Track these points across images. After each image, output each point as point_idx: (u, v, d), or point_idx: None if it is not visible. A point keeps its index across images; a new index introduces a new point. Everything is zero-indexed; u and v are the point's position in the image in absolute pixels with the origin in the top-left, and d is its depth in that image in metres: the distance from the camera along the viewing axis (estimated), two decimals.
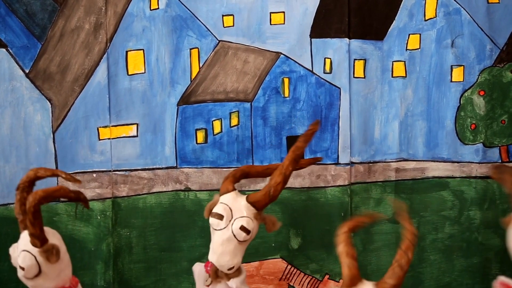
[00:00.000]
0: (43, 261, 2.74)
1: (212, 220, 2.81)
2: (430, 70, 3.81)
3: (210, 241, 2.89)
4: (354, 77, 3.78)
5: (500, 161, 3.86)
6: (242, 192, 2.99)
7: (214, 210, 2.82)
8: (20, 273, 2.79)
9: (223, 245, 2.79)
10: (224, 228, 2.80)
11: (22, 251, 2.77)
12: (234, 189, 2.89)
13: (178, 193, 3.75)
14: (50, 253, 2.74)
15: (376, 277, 3.07)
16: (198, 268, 2.96)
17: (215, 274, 2.83)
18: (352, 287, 2.60)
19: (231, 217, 2.81)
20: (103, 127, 3.69)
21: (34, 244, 2.75)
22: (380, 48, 3.79)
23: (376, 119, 3.81)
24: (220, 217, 2.80)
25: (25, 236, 2.82)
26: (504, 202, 3.87)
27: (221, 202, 2.84)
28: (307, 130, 3.01)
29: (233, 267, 2.82)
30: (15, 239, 3.66)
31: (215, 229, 2.82)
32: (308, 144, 2.97)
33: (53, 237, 2.83)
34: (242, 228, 2.78)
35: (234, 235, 2.78)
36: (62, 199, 3.16)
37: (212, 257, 2.83)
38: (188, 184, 3.75)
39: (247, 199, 2.85)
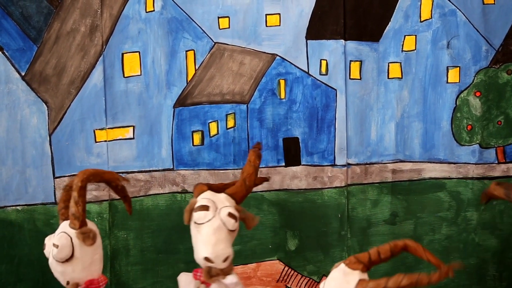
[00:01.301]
0: (78, 244, 2.73)
1: (198, 214, 2.75)
2: (426, 71, 3.81)
3: (195, 240, 2.82)
4: (350, 78, 3.78)
5: (496, 162, 3.87)
6: None
7: (198, 204, 2.78)
8: (53, 253, 2.74)
9: (215, 234, 2.74)
10: (212, 217, 2.76)
11: (59, 232, 2.76)
12: (208, 189, 2.88)
13: (175, 195, 3.75)
14: (87, 236, 2.72)
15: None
16: (184, 278, 2.92)
17: (209, 274, 2.80)
18: None
19: (216, 208, 2.78)
20: (99, 129, 3.69)
21: (73, 226, 2.74)
22: (376, 49, 3.79)
23: (372, 121, 3.81)
24: (206, 208, 2.76)
25: (64, 223, 2.81)
26: (501, 203, 3.87)
27: (201, 198, 2.81)
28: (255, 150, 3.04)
29: (228, 257, 2.79)
30: (12, 241, 3.68)
31: (202, 223, 2.76)
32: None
33: (92, 225, 2.83)
34: (230, 214, 2.76)
35: (224, 223, 2.75)
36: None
37: (205, 251, 2.74)
38: (184, 186, 3.75)
39: (226, 192, 2.86)
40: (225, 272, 2.80)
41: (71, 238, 2.72)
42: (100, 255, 2.84)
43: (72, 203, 2.74)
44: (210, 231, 2.74)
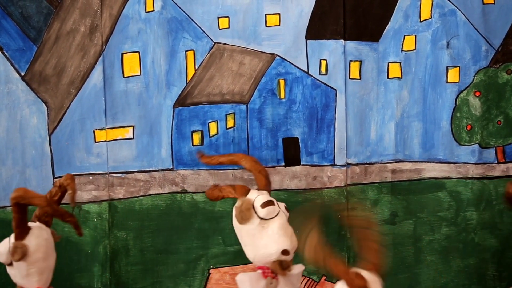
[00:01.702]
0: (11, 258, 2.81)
1: (268, 209, 2.80)
2: (426, 71, 3.81)
3: (261, 237, 2.86)
4: (349, 78, 3.78)
5: (496, 161, 3.87)
6: None
7: (263, 200, 2.82)
8: None
9: (288, 227, 2.82)
10: (280, 211, 2.83)
11: (8, 239, 2.86)
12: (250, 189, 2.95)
13: (175, 195, 3.75)
14: (15, 250, 2.78)
15: None
16: (249, 277, 2.88)
17: (280, 266, 2.80)
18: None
19: (276, 201, 2.86)
20: (99, 129, 3.69)
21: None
22: (376, 49, 3.79)
23: (372, 120, 3.81)
24: (272, 203, 2.83)
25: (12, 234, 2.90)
26: (501, 203, 3.87)
27: (259, 195, 2.86)
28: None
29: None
30: None
31: (272, 218, 2.80)
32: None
33: (35, 239, 2.84)
34: (285, 208, 2.88)
35: (286, 216, 2.86)
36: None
37: (284, 243, 2.78)
38: (184, 186, 3.75)
39: (261, 189, 2.93)
40: (291, 264, 2.82)
41: (9, 247, 2.81)
42: (38, 270, 2.84)
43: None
44: (284, 224, 2.81)
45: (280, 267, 2.80)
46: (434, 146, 3.84)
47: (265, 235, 2.79)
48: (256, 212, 2.81)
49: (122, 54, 3.68)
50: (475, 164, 3.85)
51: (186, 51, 3.71)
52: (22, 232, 2.81)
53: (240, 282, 2.92)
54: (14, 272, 2.84)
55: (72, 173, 3.66)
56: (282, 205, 2.87)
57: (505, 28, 3.82)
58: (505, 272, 3.90)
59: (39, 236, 2.86)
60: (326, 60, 3.77)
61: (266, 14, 3.73)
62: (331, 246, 3.83)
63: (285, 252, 2.76)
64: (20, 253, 2.78)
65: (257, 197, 2.85)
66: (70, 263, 3.70)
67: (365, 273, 2.51)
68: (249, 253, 2.93)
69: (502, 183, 3.85)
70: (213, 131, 3.75)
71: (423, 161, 3.84)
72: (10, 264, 2.82)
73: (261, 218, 2.79)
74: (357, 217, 2.76)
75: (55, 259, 2.97)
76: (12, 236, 2.85)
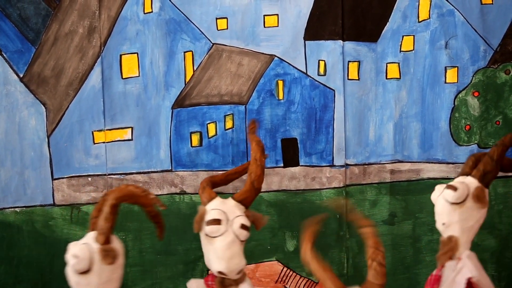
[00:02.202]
0: (98, 260, 2.63)
1: (210, 228, 2.75)
2: (424, 72, 3.81)
3: (207, 251, 2.82)
4: (348, 79, 3.78)
5: None
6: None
7: (209, 218, 2.77)
8: (70, 263, 2.64)
9: (229, 249, 2.74)
10: (225, 232, 2.77)
11: (82, 243, 2.67)
12: (216, 195, 2.88)
13: (173, 196, 3.75)
14: (108, 254, 2.64)
15: None
16: (195, 285, 2.92)
17: (222, 284, 2.79)
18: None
19: (228, 219, 2.78)
20: (97, 131, 3.69)
21: (98, 240, 2.66)
22: (374, 49, 3.79)
23: (370, 121, 3.81)
24: (218, 222, 2.76)
25: (90, 233, 2.72)
26: (500, 203, 3.87)
27: (212, 209, 2.80)
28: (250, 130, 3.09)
29: (241, 269, 2.79)
30: (11, 243, 3.69)
31: (214, 236, 2.76)
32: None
33: (117, 244, 2.74)
34: (243, 226, 2.77)
35: (237, 236, 2.76)
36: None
37: (219, 265, 2.75)
38: (183, 187, 3.75)
39: (234, 199, 2.85)
40: (238, 282, 2.80)
41: (92, 252, 2.63)
42: (119, 275, 2.73)
43: (102, 218, 2.68)
44: (224, 246, 2.74)
45: (221, 284, 2.80)
46: (433, 147, 3.84)
47: (210, 249, 2.79)
48: (204, 226, 2.80)
49: (121, 56, 3.68)
50: None
51: (184, 52, 3.71)
52: (110, 236, 2.69)
53: (189, 287, 2.95)
54: (89, 280, 2.64)
55: (71, 175, 3.69)
56: (238, 222, 2.77)
57: (503, 28, 3.82)
58: (504, 272, 3.90)
59: (119, 242, 2.75)
60: (324, 60, 3.77)
61: (264, 15, 3.73)
62: (329, 247, 3.84)
63: (220, 273, 2.75)
64: (112, 257, 2.65)
65: (209, 211, 2.81)
66: None
67: None
68: (204, 257, 2.91)
69: (501, 183, 3.85)
70: (211, 132, 3.75)
71: (421, 161, 3.84)
72: (86, 272, 2.63)
73: (206, 235, 2.79)
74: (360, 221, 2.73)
75: None
76: (86, 241, 2.68)
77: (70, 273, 2.67)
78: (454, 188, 2.87)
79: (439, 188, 3.01)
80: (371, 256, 2.50)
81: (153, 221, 2.93)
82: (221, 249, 2.75)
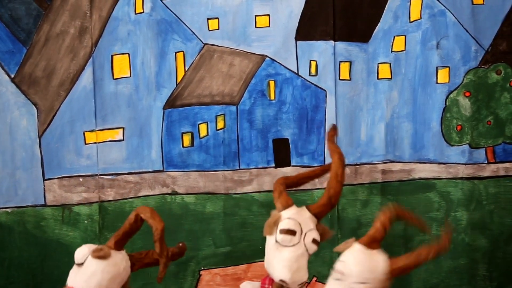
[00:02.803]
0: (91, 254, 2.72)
1: (284, 237, 2.73)
2: (416, 72, 3.82)
3: (273, 257, 2.78)
4: (339, 79, 3.78)
5: (486, 162, 3.87)
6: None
7: (285, 227, 2.74)
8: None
9: (297, 261, 2.71)
10: (297, 243, 2.74)
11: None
12: (293, 203, 2.86)
13: (165, 197, 3.75)
14: (99, 250, 2.71)
15: None
16: (250, 286, 2.92)
17: None
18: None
19: (301, 231, 2.76)
20: (89, 131, 3.69)
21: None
22: (366, 50, 3.79)
23: (362, 121, 3.81)
24: (293, 233, 2.73)
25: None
26: (491, 203, 3.88)
27: (288, 218, 2.77)
28: (329, 136, 3.06)
29: (304, 282, 2.76)
30: (2, 244, 3.69)
31: (286, 246, 2.73)
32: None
33: (119, 259, 2.79)
34: (314, 241, 2.75)
35: (307, 249, 2.75)
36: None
37: (284, 275, 2.71)
38: (174, 188, 3.75)
39: (310, 211, 2.83)
40: None
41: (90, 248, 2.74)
42: (98, 281, 2.72)
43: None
44: (293, 258, 2.72)
45: None
46: (424, 147, 3.85)
47: (276, 255, 2.77)
48: (276, 233, 2.79)
49: (112, 56, 3.68)
50: (465, 164, 3.86)
51: (176, 52, 3.71)
52: (118, 243, 2.76)
53: None
54: (77, 273, 2.73)
55: (62, 175, 3.69)
56: (310, 236, 2.76)
57: (494, 29, 3.83)
58: (496, 272, 3.91)
59: (123, 260, 2.80)
60: (316, 61, 3.77)
61: (255, 15, 3.73)
62: (321, 247, 3.84)
63: (282, 281, 2.75)
64: (102, 253, 2.70)
65: (285, 219, 2.78)
66: (60, 265, 3.69)
67: None
68: (265, 259, 2.91)
69: (492, 183, 3.86)
70: (203, 132, 3.75)
71: (413, 161, 3.85)
72: (80, 264, 2.71)
73: (276, 241, 2.78)
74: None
75: None
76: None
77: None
78: None
79: None
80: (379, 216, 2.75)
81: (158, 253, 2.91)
82: (289, 260, 2.72)
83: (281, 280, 2.74)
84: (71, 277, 2.74)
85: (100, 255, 2.71)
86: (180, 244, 2.94)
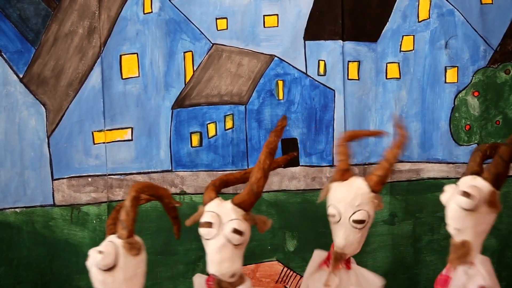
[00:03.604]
0: (123, 254, 2.64)
1: (203, 231, 2.72)
2: (424, 72, 3.81)
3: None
4: (348, 79, 3.78)
5: None
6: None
7: (202, 220, 2.73)
8: (96, 260, 2.64)
9: (219, 252, 2.70)
10: (216, 235, 2.71)
11: (107, 241, 2.68)
12: (216, 196, 2.82)
13: (174, 197, 3.67)
14: (133, 246, 2.65)
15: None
16: (198, 280, 2.90)
17: (219, 286, 2.78)
18: (343, 179, 2.97)
19: (221, 223, 2.72)
20: (97, 131, 3.69)
21: (120, 235, 2.67)
22: (374, 49, 3.79)
23: (370, 121, 3.81)
24: (209, 224, 2.71)
25: (111, 236, 2.73)
26: (500, 203, 3.86)
27: (207, 211, 2.76)
28: (276, 126, 2.97)
29: (234, 273, 2.76)
30: (10, 243, 3.68)
31: (207, 239, 2.73)
32: (279, 139, 2.89)
33: (141, 241, 2.76)
34: (235, 230, 2.70)
35: (228, 240, 2.70)
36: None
37: (211, 268, 2.73)
38: (183, 188, 3.75)
39: (232, 202, 2.78)
40: (235, 285, 2.77)
41: (116, 247, 2.64)
42: (143, 270, 2.73)
43: (123, 212, 2.68)
44: (214, 249, 2.70)
45: (218, 286, 2.77)
46: (433, 146, 3.84)
47: (205, 251, 2.78)
48: None
49: (120, 56, 3.68)
50: None
51: (184, 52, 3.71)
52: (133, 230, 2.69)
53: (194, 281, 2.93)
54: (115, 277, 2.65)
55: (71, 175, 3.69)
56: (230, 226, 2.70)
57: (503, 28, 3.82)
58: (504, 272, 3.90)
59: (140, 238, 2.75)
60: (324, 60, 3.77)
61: (264, 15, 3.73)
62: (329, 247, 3.84)
63: (212, 275, 2.74)
64: (138, 247, 2.67)
65: (205, 212, 2.76)
66: (69, 264, 3.70)
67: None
68: None
69: None
70: (211, 132, 3.75)
71: (422, 161, 3.85)
72: (111, 268, 2.63)
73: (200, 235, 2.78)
74: None
75: None
76: (111, 239, 2.69)
77: (95, 273, 2.67)
78: (468, 195, 2.75)
79: (448, 189, 2.90)
80: (385, 154, 2.99)
81: (170, 215, 2.95)
82: (211, 252, 2.72)
83: (211, 274, 2.75)
84: (112, 285, 2.65)
85: (139, 250, 2.68)
86: None
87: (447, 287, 2.89)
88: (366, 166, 3.82)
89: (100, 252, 2.62)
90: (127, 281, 2.66)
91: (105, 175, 3.69)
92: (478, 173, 2.88)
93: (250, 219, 2.78)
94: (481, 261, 2.86)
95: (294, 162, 3.80)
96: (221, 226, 2.72)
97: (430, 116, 3.83)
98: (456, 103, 3.84)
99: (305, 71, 3.76)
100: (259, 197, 2.82)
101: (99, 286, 2.68)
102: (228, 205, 2.78)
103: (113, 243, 2.65)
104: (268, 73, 3.75)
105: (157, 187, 2.86)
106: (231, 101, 3.75)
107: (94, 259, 2.65)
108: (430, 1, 3.79)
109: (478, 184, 2.80)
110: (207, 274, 2.79)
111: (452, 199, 2.83)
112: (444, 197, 2.90)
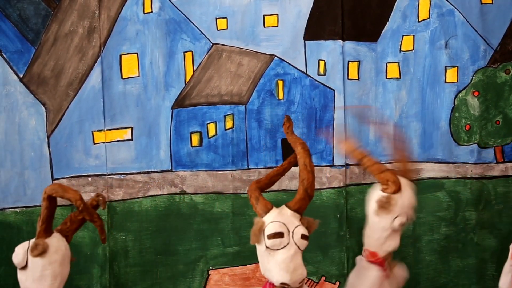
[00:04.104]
0: (30, 254, 2.79)
1: (273, 242, 2.75)
2: (424, 71, 3.81)
3: (268, 262, 2.82)
4: (348, 78, 3.78)
5: (495, 161, 3.87)
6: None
7: (271, 231, 2.76)
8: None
9: (292, 261, 2.74)
10: (288, 243, 2.76)
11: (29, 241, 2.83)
12: (272, 206, 2.88)
13: (174, 196, 3.75)
14: (35, 247, 2.78)
15: None
16: None
17: None
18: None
19: (289, 231, 2.77)
20: (97, 131, 3.69)
21: (35, 234, 2.79)
22: (374, 49, 3.79)
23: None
24: (281, 235, 2.75)
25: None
26: (500, 203, 3.87)
27: (272, 222, 2.79)
28: (287, 128, 3.07)
29: (304, 279, 2.79)
30: (11, 243, 3.67)
31: (277, 249, 2.75)
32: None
33: (56, 241, 2.84)
34: (303, 236, 2.77)
35: (298, 247, 2.76)
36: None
37: (284, 277, 2.74)
38: (183, 187, 3.75)
39: (290, 208, 2.84)
40: None
41: (27, 248, 2.80)
42: (52, 272, 2.83)
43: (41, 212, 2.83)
44: (288, 258, 2.74)
45: None
46: (433, 146, 3.84)
47: (271, 260, 2.79)
48: (264, 239, 2.80)
49: (120, 56, 3.68)
50: (474, 164, 3.86)
51: (184, 52, 3.71)
52: (47, 230, 2.80)
53: None
54: (26, 276, 2.82)
55: (71, 175, 3.69)
56: (298, 233, 2.78)
57: (503, 28, 3.82)
58: None
59: (60, 241, 2.86)
60: (324, 60, 3.77)
61: (264, 15, 3.73)
62: (329, 247, 3.84)
63: (283, 284, 2.76)
64: (40, 249, 2.76)
65: (269, 224, 2.80)
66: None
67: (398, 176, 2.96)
68: (260, 267, 2.93)
69: (501, 183, 3.86)
70: (211, 132, 3.75)
71: (422, 161, 3.85)
72: (24, 267, 2.80)
73: (267, 247, 2.78)
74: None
75: (68, 273, 2.96)
76: (33, 240, 2.85)
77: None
78: None
79: None
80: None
81: (86, 219, 3.02)
82: (284, 262, 2.75)
83: (282, 283, 2.75)
84: (25, 283, 2.83)
85: (40, 252, 2.79)
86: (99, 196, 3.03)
87: None
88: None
89: (14, 252, 2.82)
90: (35, 282, 2.81)
91: (105, 175, 3.69)
92: None
93: (305, 222, 2.83)
94: None
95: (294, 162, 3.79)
96: (290, 234, 2.76)
97: (430, 116, 3.83)
98: (456, 103, 3.84)
99: (305, 71, 3.77)
100: (311, 199, 2.92)
101: (19, 283, 2.89)
102: (287, 212, 2.85)
103: (28, 243, 2.82)
104: (268, 73, 3.75)
105: (66, 188, 2.90)
106: (231, 101, 3.75)
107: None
108: (430, 1, 3.79)
109: None
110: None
111: None
112: None
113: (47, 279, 2.81)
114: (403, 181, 3.01)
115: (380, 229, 3.00)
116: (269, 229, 2.78)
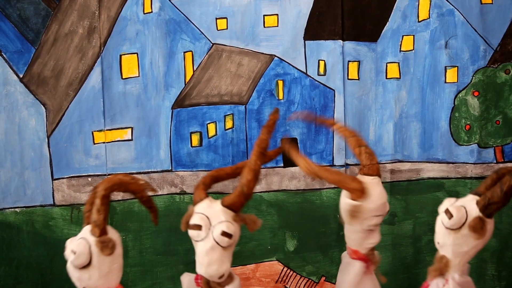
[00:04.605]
0: (96, 252, 2.65)
1: (191, 232, 2.71)
2: (424, 71, 3.81)
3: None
4: (348, 79, 3.78)
5: (495, 161, 3.87)
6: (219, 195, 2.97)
7: (191, 222, 2.72)
8: (70, 260, 2.67)
9: (208, 255, 2.70)
10: (205, 237, 2.71)
11: (79, 238, 2.68)
12: (206, 197, 2.81)
13: (174, 197, 3.75)
14: (106, 245, 2.65)
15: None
16: (187, 279, 2.89)
17: (208, 285, 2.78)
18: None
19: (210, 225, 2.71)
20: (97, 131, 3.69)
21: (93, 233, 2.67)
22: (374, 49, 3.79)
23: (370, 121, 3.81)
24: (198, 227, 2.70)
25: (86, 228, 2.73)
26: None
27: (196, 212, 2.75)
28: (267, 120, 2.95)
29: (223, 275, 2.77)
30: (11, 243, 3.68)
31: (197, 240, 2.72)
32: (271, 134, 2.90)
33: (113, 234, 2.76)
34: (223, 233, 2.68)
35: (217, 242, 2.68)
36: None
37: (199, 269, 2.74)
38: (183, 188, 3.75)
39: (222, 203, 2.76)
40: (224, 284, 2.77)
41: (89, 246, 2.65)
42: (119, 265, 2.75)
43: (94, 210, 2.68)
44: (203, 252, 2.70)
45: (206, 285, 2.77)
46: (433, 146, 3.84)
47: (195, 251, 2.77)
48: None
49: (120, 56, 3.68)
50: (474, 164, 3.85)
51: (184, 52, 3.71)
52: (106, 227, 2.69)
53: (182, 280, 2.91)
54: (91, 274, 2.67)
55: (71, 175, 3.69)
56: (219, 229, 2.69)
57: (503, 28, 3.82)
58: (504, 272, 3.91)
59: (115, 233, 2.75)
60: (324, 60, 3.77)
61: (264, 15, 3.73)
62: (329, 247, 3.84)
63: (200, 275, 2.75)
64: (111, 246, 2.66)
65: (194, 214, 2.75)
66: None
67: (361, 177, 2.90)
68: None
69: None
70: (211, 132, 3.75)
71: (422, 161, 3.85)
72: (86, 266, 2.66)
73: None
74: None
75: None
76: (84, 235, 2.69)
77: (71, 269, 2.69)
78: (450, 215, 2.70)
79: (446, 202, 2.83)
80: (356, 143, 2.97)
81: (146, 206, 2.94)
82: (200, 254, 2.72)
83: (199, 274, 2.76)
84: (89, 281, 2.68)
85: (112, 250, 2.68)
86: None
87: None
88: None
89: (73, 252, 2.64)
90: (102, 277, 2.68)
91: (105, 175, 3.69)
92: (481, 195, 2.78)
93: (240, 220, 2.76)
94: (458, 281, 2.82)
95: (294, 162, 3.79)
96: (210, 228, 2.71)
97: (430, 116, 3.83)
98: (456, 103, 3.84)
99: (305, 71, 3.77)
100: (249, 199, 2.80)
101: (76, 282, 2.71)
102: (217, 206, 2.76)
103: (86, 241, 2.65)
104: (268, 73, 3.75)
105: (127, 182, 2.81)
106: (231, 101, 3.75)
107: (69, 256, 2.67)
108: (430, 1, 3.79)
109: (466, 206, 2.73)
110: (195, 273, 2.79)
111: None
112: (440, 209, 2.87)
113: (115, 272, 2.72)
114: (368, 181, 2.91)
115: (357, 231, 2.95)
116: (191, 220, 2.74)
